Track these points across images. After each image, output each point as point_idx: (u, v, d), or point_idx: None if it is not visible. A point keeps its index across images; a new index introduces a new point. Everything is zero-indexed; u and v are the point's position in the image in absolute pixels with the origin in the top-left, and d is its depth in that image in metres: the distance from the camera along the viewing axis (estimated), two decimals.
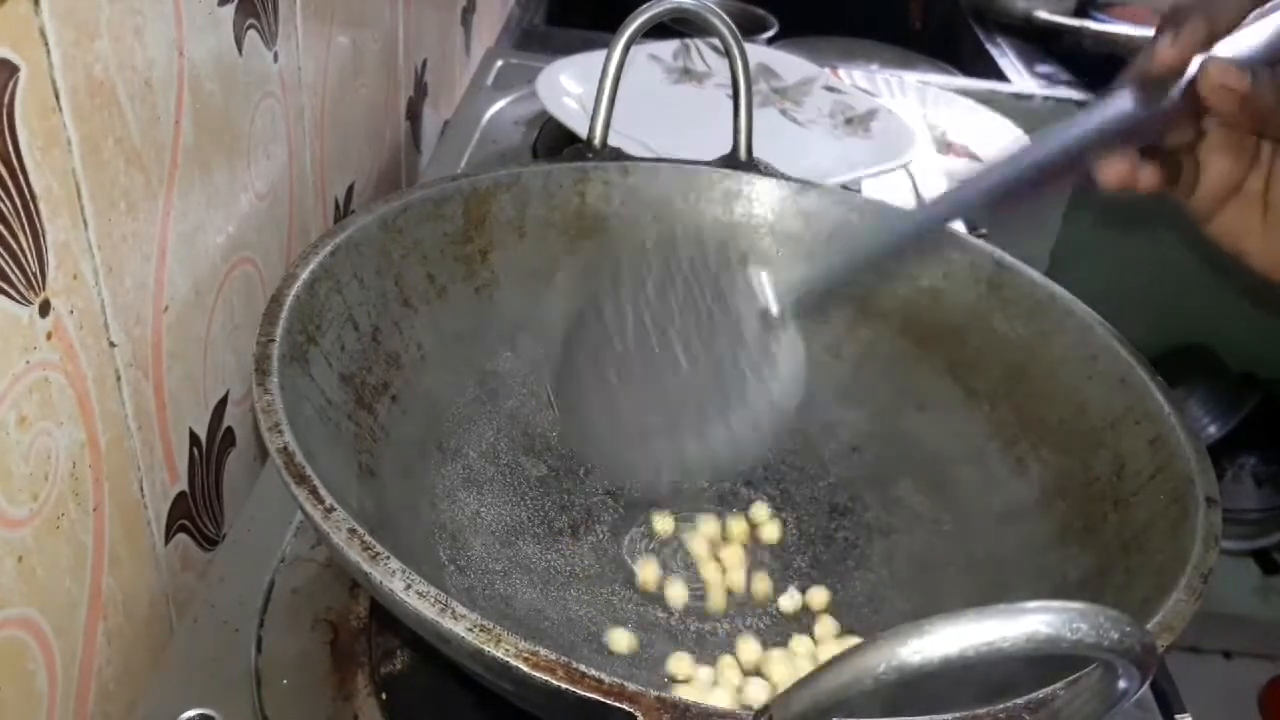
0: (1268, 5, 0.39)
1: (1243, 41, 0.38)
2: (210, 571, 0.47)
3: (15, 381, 0.34)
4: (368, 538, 0.30)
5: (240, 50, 0.49)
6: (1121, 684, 0.24)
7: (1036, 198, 0.40)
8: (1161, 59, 0.38)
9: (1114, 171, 0.40)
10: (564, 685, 0.27)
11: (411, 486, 0.45)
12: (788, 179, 0.56)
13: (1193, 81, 0.37)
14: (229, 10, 0.47)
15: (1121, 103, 0.39)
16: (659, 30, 0.59)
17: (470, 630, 0.28)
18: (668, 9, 0.55)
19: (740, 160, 0.57)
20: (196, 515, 0.50)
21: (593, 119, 0.56)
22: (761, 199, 0.55)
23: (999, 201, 0.40)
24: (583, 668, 0.27)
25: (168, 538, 0.47)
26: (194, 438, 0.49)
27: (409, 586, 0.29)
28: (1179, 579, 0.34)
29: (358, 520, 0.31)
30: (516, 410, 0.52)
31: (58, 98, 0.35)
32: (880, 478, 0.51)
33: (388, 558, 0.29)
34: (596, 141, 0.56)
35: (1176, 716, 0.45)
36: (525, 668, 0.27)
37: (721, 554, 0.47)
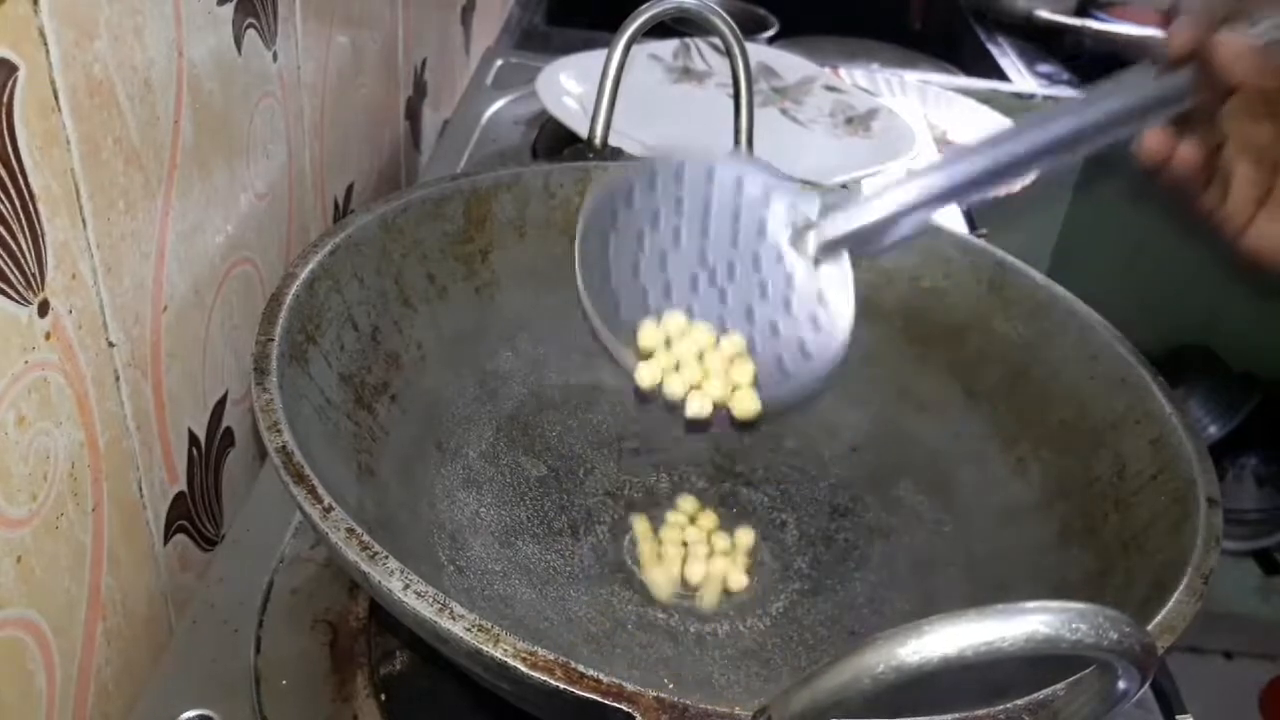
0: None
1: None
2: (209, 571, 0.47)
3: (14, 381, 0.34)
4: (366, 537, 0.30)
5: (240, 50, 0.49)
6: (1121, 684, 0.24)
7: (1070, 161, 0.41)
8: (1178, 40, 0.40)
9: (1154, 142, 0.41)
10: (562, 685, 0.27)
11: (411, 486, 0.45)
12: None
13: (1208, 61, 0.39)
14: (228, 10, 0.47)
15: (1143, 81, 0.40)
16: (659, 30, 0.59)
17: (468, 630, 0.28)
18: (668, 8, 0.55)
19: None
20: (195, 515, 0.50)
21: (593, 119, 0.56)
22: None
23: (1029, 165, 0.41)
24: (581, 668, 0.27)
25: (167, 538, 0.47)
26: (193, 438, 0.49)
27: (407, 586, 0.29)
28: (1180, 580, 0.34)
29: (357, 520, 0.31)
30: (516, 410, 0.52)
31: (57, 97, 0.35)
32: (880, 478, 0.51)
33: (386, 557, 0.29)
34: (597, 141, 0.56)
35: (1177, 717, 0.45)
36: (523, 668, 0.27)
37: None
